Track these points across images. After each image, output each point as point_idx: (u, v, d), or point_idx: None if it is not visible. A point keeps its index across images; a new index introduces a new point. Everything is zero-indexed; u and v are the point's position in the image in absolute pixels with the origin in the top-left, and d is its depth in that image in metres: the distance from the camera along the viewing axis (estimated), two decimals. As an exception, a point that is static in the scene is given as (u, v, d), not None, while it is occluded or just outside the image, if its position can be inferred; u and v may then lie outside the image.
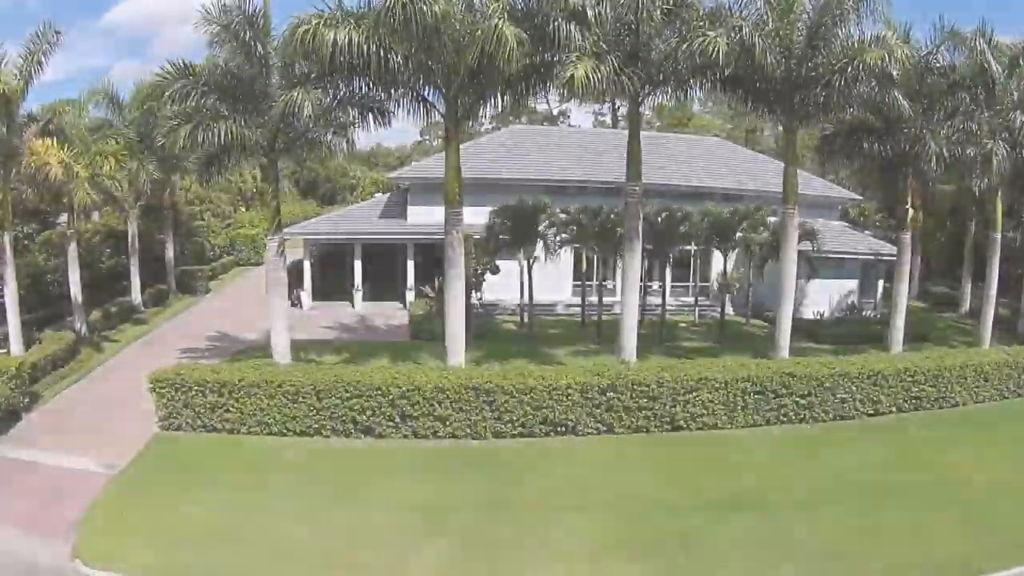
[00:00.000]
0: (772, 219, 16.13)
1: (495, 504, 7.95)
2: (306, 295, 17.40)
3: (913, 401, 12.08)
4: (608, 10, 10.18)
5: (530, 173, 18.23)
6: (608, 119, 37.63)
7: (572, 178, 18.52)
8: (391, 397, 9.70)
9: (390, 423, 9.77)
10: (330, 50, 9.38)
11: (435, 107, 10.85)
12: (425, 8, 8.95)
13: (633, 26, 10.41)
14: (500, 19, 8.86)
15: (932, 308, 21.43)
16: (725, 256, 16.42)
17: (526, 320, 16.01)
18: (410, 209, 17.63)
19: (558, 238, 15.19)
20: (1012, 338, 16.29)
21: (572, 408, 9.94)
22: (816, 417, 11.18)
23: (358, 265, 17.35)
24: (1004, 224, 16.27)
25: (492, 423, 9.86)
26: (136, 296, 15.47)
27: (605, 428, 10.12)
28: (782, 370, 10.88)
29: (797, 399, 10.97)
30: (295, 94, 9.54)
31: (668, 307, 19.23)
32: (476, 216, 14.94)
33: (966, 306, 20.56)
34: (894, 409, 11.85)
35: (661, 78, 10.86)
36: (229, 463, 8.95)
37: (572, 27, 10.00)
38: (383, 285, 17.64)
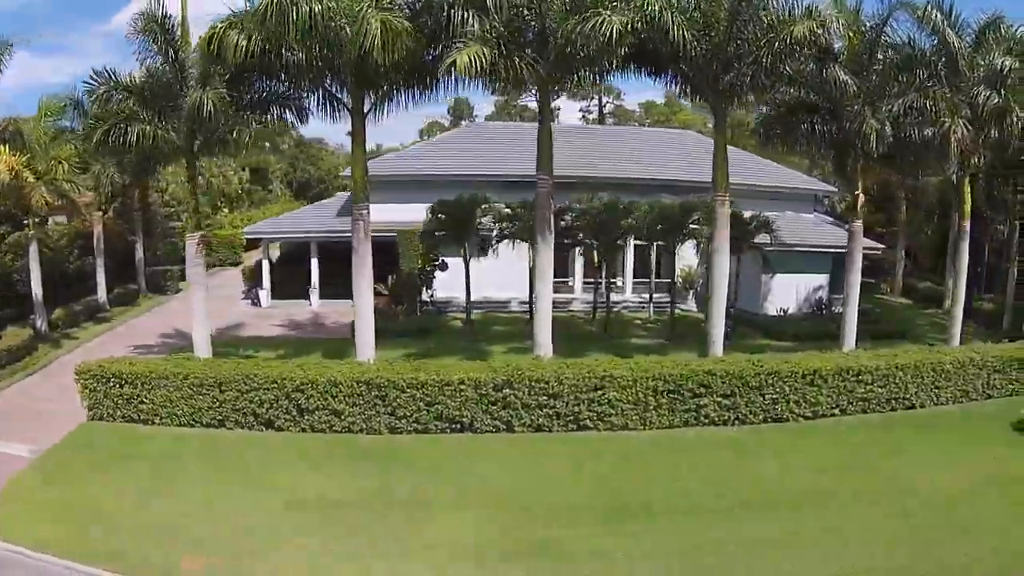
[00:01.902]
0: (747, 213, 14.86)
1: (375, 500, 7.60)
2: (264, 293, 17.46)
3: (860, 403, 10.76)
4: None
5: (482, 169, 17.60)
6: (595, 115, 36.40)
7: (525, 173, 17.74)
8: (286, 390, 9.41)
9: (288, 416, 9.48)
10: (236, 52, 9.15)
11: (343, 103, 10.43)
12: (305, 7, 8.55)
13: (536, 11, 9.62)
14: (370, 8, 8.31)
15: (917, 304, 19.50)
16: (674, 250, 15.26)
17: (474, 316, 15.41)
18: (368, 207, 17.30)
19: (497, 233, 14.47)
20: (997, 335, 14.55)
21: (466, 404, 9.34)
22: (743, 419, 10.07)
23: (314, 263, 17.26)
24: (993, 216, 14.42)
25: (387, 418, 9.39)
26: (102, 295, 15.89)
27: (504, 426, 9.45)
28: (700, 368, 9.81)
29: (719, 399, 9.91)
30: (194, 95, 9.37)
31: (629, 303, 18.24)
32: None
33: (950, 302, 18.48)
34: (837, 411, 10.60)
35: (571, 63, 10.00)
36: (137, 452, 9.01)
37: (469, 14, 9.35)
38: (341, 283, 17.38)
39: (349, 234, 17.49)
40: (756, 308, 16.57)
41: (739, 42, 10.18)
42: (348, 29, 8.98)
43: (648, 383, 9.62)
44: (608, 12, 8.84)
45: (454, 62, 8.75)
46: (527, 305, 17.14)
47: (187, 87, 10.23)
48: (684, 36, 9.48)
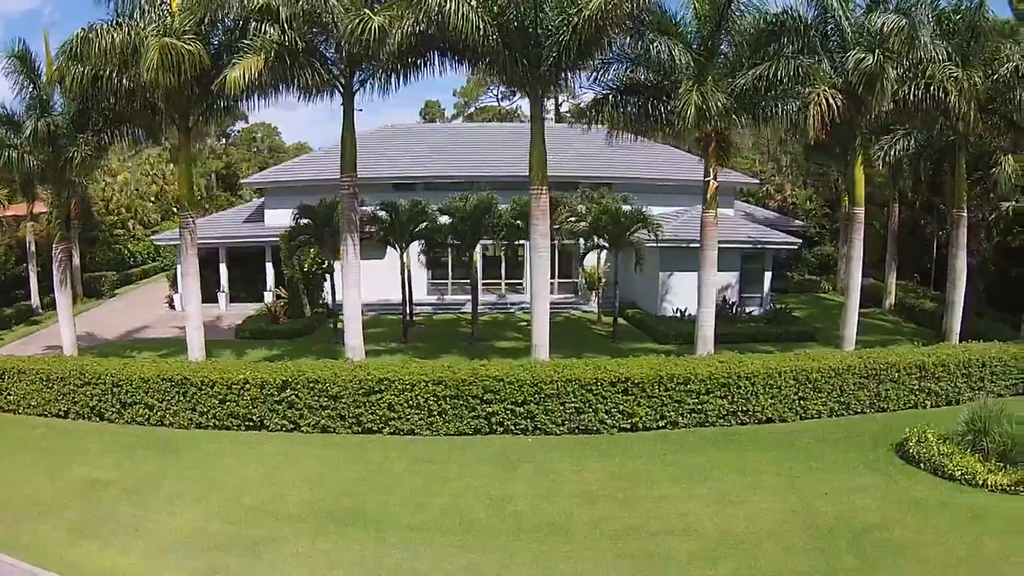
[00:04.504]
0: (626, 207, 14.72)
1: (141, 489, 8.80)
2: (178, 297, 19.46)
3: (693, 415, 10.42)
4: (303, 4, 10.15)
5: (380, 172, 18.54)
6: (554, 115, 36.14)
7: (429, 174, 18.50)
8: (108, 385, 10.88)
9: (114, 409, 11.03)
10: (74, 81, 10.78)
11: (173, 120, 11.76)
12: (108, 37, 9.91)
13: (331, 16, 10.36)
14: (151, 35, 9.50)
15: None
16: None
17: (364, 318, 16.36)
18: (267, 213, 18.93)
19: (364, 233, 15.29)
20: (937, 336, 13.54)
21: (254, 403, 10.29)
22: (543, 429, 10.15)
23: (223, 268, 19.08)
24: (939, 205, 13.15)
25: (190, 414, 10.61)
26: (35, 300, 18.57)
27: (292, 426, 10.35)
28: (486, 374, 10.07)
29: (511, 407, 10.06)
30: (28, 123, 11.10)
31: (525, 305, 18.29)
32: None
33: (891, 300, 17.00)
34: (664, 424, 10.34)
35: (366, 64, 10.66)
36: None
37: (267, 27, 10.28)
38: (251, 287, 19.12)
39: (255, 239, 19.27)
40: (654, 309, 16.07)
41: (544, 24, 10.22)
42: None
43: (428, 388, 10.02)
44: (368, 10, 9.35)
45: (225, 78, 9.67)
46: (424, 308, 17.88)
47: (49, 116, 12.07)
48: (473, 25, 9.65)
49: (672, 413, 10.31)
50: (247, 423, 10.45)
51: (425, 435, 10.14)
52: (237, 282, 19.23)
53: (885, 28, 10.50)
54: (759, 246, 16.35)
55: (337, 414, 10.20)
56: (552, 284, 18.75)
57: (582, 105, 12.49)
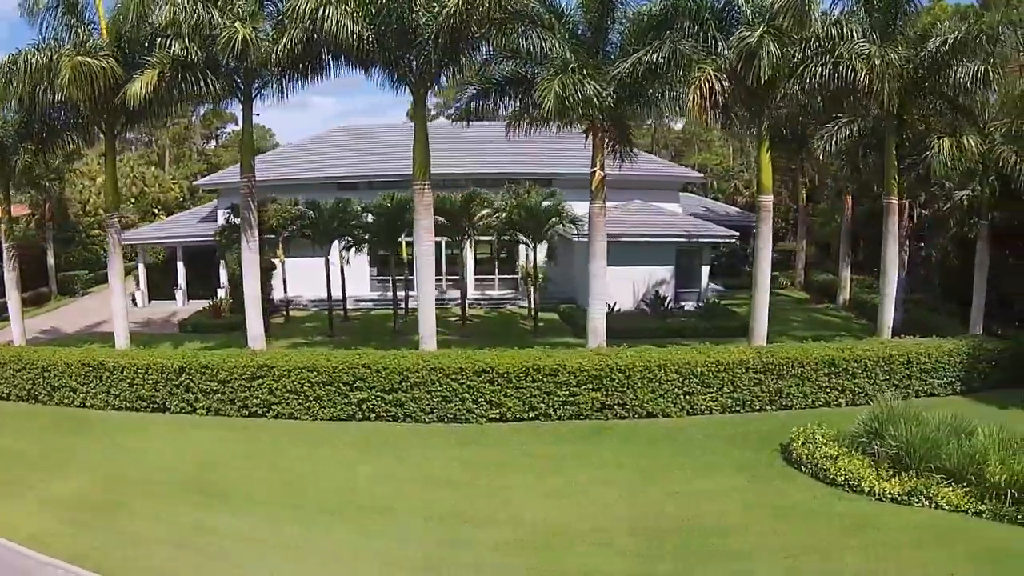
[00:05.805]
0: (546, 203, 15.67)
1: (44, 460, 10.52)
2: (140, 294, 21.99)
3: (566, 407, 11.25)
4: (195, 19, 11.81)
5: (329, 172, 20.29)
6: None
7: (373, 174, 20.08)
8: (39, 370, 12.97)
9: (45, 391, 13.14)
10: (16, 96, 13.02)
11: (100, 128, 13.83)
12: (33, 59, 12.01)
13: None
14: (65, 55, 11.47)
15: (812, 298, 18.09)
16: (460, 243, 16.40)
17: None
18: (219, 213, 20.99)
19: (290, 231, 17.04)
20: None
21: (157, 387, 12.03)
22: (412, 416, 11.29)
23: (180, 266, 21.42)
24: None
25: (105, 396, 12.47)
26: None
27: (190, 408, 11.97)
28: (356, 362, 11.33)
29: (381, 395, 11.25)
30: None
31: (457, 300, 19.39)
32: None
33: (845, 294, 16.87)
34: (535, 415, 11.23)
35: (261, 73, 12.24)
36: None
37: (171, 41, 12.08)
38: (207, 284, 21.35)
39: (209, 239, 21.42)
40: (586, 304, 16.76)
41: (416, 24, 11.34)
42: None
43: (303, 374, 11.40)
44: (233, 21, 10.86)
45: (130, 92, 11.46)
46: (363, 303, 19.40)
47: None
48: (348, 29, 10.76)
49: (542, 405, 11.17)
50: (152, 405, 12.21)
51: (305, 420, 11.54)
52: (194, 280, 21.58)
53: (775, 4, 10.90)
54: (694, 240, 16.73)
55: (227, 398, 11.77)
56: (493, 280, 20.08)
57: (459, 102, 13.49)
